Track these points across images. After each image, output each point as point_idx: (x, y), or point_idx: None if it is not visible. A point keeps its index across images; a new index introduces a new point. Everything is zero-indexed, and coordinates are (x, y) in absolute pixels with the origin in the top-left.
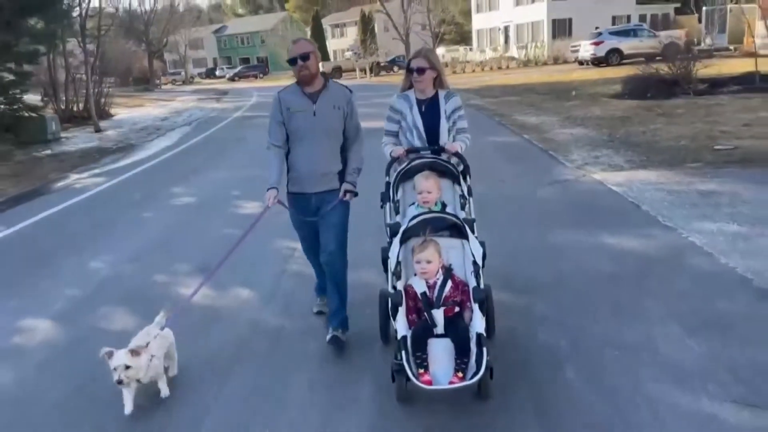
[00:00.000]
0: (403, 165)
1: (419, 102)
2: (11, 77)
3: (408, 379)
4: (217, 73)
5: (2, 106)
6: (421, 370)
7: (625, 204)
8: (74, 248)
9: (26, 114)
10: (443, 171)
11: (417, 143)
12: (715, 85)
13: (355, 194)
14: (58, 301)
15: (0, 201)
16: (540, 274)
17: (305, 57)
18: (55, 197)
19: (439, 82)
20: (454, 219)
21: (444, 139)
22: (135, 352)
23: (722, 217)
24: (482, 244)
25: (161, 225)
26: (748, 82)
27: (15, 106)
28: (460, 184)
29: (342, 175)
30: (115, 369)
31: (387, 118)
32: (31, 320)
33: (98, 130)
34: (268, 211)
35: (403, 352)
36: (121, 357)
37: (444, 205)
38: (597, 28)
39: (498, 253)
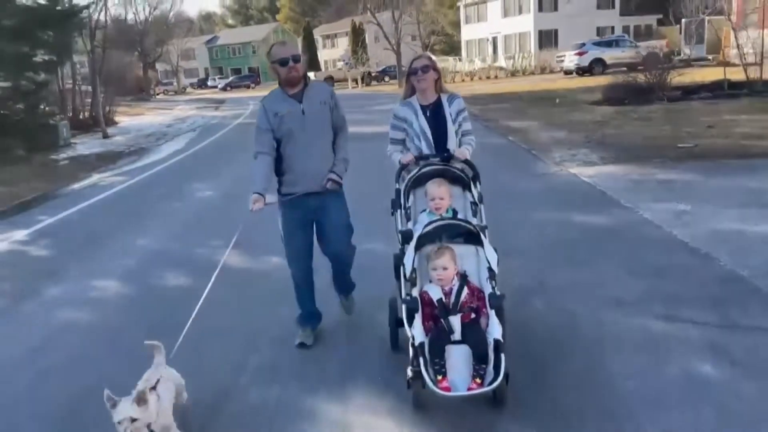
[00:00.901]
0: (414, 172)
1: (423, 108)
2: (30, 86)
3: (424, 385)
4: (209, 83)
5: (21, 114)
6: (440, 377)
7: (593, 191)
8: (120, 230)
9: (43, 121)
10: (454, 178)
11: (425, 149)
12: (688, 92)
13: (339, 185)
14: (119, 268)
15: (36, 196)
16: (519, 241)
17: (297, 59)
18: (85, 192)
19: (439, 85)
20: (468, 226)
21: (452, 142)
22: (141, 400)
23: (673, 198)
24: (495, 250)
25: (191, 212)
26: (717, 89)
27: (34, 113)
28: (470, 191)
29: None
30: (119, 423)
31: (391, 126)
32: (101, 281)
33: (106, 136)
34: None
35: (421, 359)
36: (125, 408)
37: (455, 212)
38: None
39: (493, 233)
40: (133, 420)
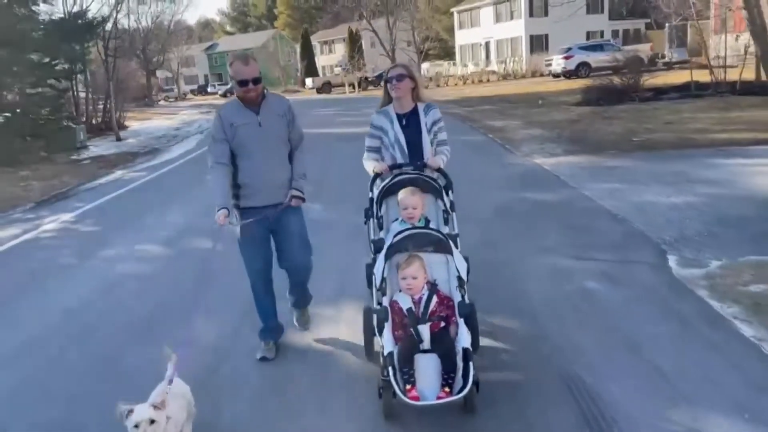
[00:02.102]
0: (386, 181)
1: (399, 117)
2: (53, 92)
3: (395, 395)
4: (209, 89)
5: (45, 118)
6: (409, 386)
7: (549, 176)
8: (150, 211)
9: (64, 124)
10: (426, 187)
11: (400, 158)
12: (659, 93)
13: (303, 200)
14: (156, 236)
15: (69, 188)
16: (481, 213)
17: (257, 81)
18: (112, 185)
19: (416, 94)
20: (438, 235)
21: (427, 152)
22: (157, 407)
23: (611, 180)
24: (466, 259)
25: (210, 196)
26: (684, 90)
27: (56, 117)
28: (442, 200)
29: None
30: (136, 426)
31: (368, 135)
32: (143, 245)
33: (119, 139)
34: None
35: (390, 369)
36: (143, 411)
37: (427, 221)
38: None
39: (460, 206)
40: (152, 421)
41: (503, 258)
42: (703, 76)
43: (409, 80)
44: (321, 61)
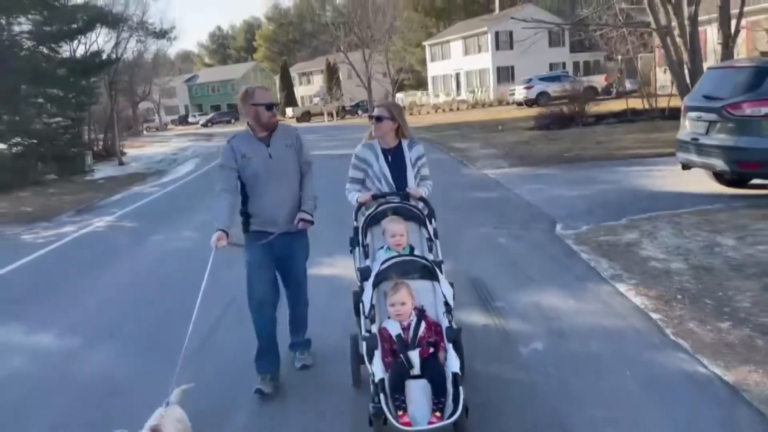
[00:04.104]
0: (371, 210)
1: (385, 152)
2: (69, 122)
3: (385, 422)
4: (190, 119)
5: (62, 144)
6: (400, 412)
7: (492, 182)
8: (177, 212)
9: (77, 149)
10: (410, 215)
11: (386, 190)
12: (601, 118)
13: (311, 223)
14: (190, 227)
15: (98, 200)
16: (437, 207)
17: (277, 106)
18: (135, 197)
19: (401, 132)
20: (424, 261)
21: (411, 185)
22: (156, 430)
23: (536, 183)
24: (451, 284)
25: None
26: (622, 116)
27: (73, 144)
28: (426, 228)
29: None
30: None
31: (352, 166)
32: (182, 232)
33: (122, 163)
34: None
35: (381, 395)
36: None
37: (412, 249)
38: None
39: None
40: None
41: (449, 230)
42: (641, 104)
43: (389, 122)
44: (300, 91)
